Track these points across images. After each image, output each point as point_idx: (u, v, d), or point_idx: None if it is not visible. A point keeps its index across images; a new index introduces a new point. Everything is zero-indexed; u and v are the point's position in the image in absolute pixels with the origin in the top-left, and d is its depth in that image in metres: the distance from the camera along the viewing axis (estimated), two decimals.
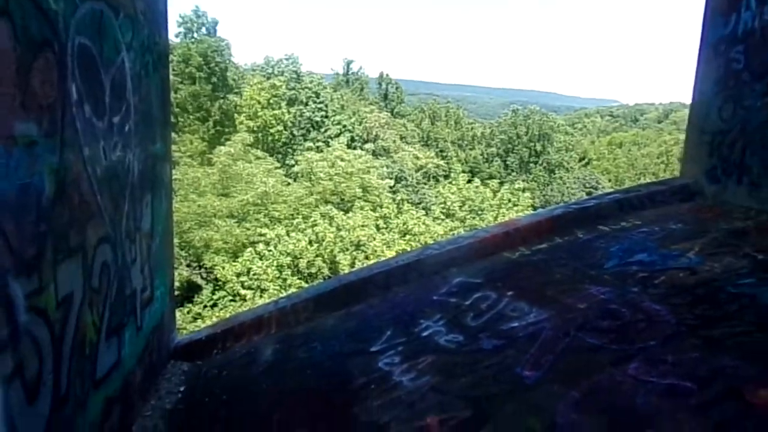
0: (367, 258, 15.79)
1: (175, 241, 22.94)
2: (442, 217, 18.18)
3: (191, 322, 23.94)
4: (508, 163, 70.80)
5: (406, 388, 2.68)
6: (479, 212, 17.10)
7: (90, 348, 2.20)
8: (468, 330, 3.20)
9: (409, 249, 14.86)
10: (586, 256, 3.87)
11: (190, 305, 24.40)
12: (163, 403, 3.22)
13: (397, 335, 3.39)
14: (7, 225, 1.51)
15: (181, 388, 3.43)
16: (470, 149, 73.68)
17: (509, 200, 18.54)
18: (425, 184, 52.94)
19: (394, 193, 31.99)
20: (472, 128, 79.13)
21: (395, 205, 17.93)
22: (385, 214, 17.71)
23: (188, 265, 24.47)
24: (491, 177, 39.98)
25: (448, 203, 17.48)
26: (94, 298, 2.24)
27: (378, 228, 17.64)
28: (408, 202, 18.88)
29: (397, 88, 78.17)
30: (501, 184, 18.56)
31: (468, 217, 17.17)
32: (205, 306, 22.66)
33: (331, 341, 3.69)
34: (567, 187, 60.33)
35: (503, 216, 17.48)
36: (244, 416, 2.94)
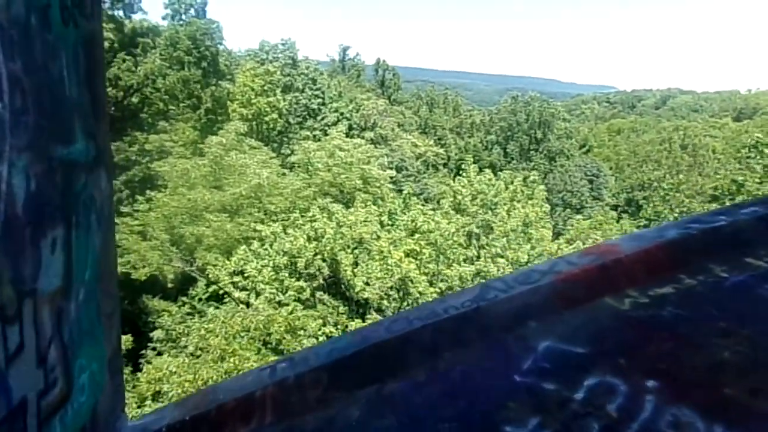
0: (371, 258, 14.52)
1: (166, 237, 21.61)
2: (452, 212, 16.88)
3: (187, 314, 22.78)
4: (508, 150, 69.48)
5: None
6: (492, 207, 15.79)
7: None
8: None
9: (418, 249, 13.60)
10: (754, 313, 2.48)
11: (184, 298, 23.20)
12: None
13: None
14: None
15: None
16: (469, 137, 72.32)
17: (522, 192, 17.22)
18: (425, 173, 51.64)
19: (394, 183, 30.66)
20: (470, 115, 77.70)
21: (401, 200, 16.61)
22: (390, 209, 16.42)
23: (182, 258, 23.17)
24: (491, 166, 38.66)
25: (459, 197, 16.15)
26: None
27: (382, 225, 16.38)
28: (414, 196, 17.60)
29: (394, 75, 76.60)
30: (500, 171, 17.21)
31: (480, 212, 15.86)
32: (200, 299, 21.41)
33: None
34: (569, 176, 59.12)
35: (516, 211, 16.19)
36: None
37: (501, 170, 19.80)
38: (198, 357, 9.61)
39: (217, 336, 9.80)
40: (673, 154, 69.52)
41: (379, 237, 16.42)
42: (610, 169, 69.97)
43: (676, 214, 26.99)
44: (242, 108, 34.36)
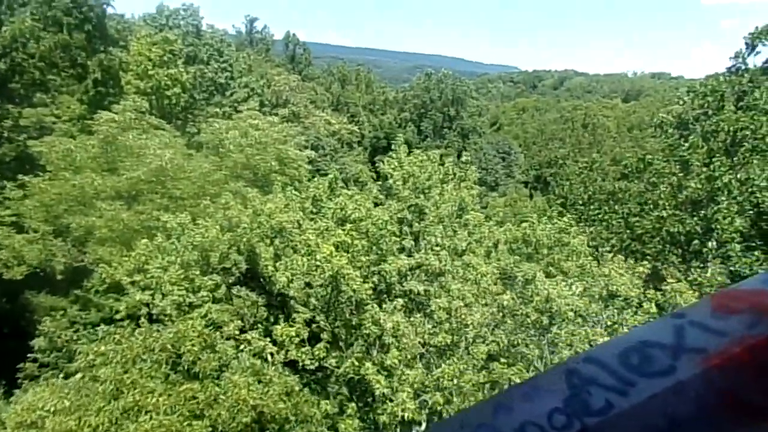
0: (296, 252, 12.88)
1: (48, 228, 18.38)
2: (381, 197, 15.55)
3: (80, 311, 19.80)
4: (421, 128, 69.34)
5: None
6: (426, 190, 14.62)
7: None
8: None
9: (350, 241, 12.14)
10: None
11: (77, 291, 20.15)
12: None
13: None
14: None
15: None
16: (382, 114, 71.35)
17: (455, 174, 16.22)
18: (341, 151, 49.96)
19: (311, 164, 28.78)
20: (383, 92, 76.66)
21: (326, 184, 14.99)
22: (315, 195, 14.80)
23: (69, 253, 20.07)
24: (407, 143, 37.63)
25: (390, 181, 14.82)
26: None
27: (305, 212, 14.73)
28: (339, 180, 16.07)
29: (304, 50, 73.63)
30: (414, 149, 16.15)
31: (411, 196, 14.64)
32: (97, 291, 18.59)
33: None
34: (484, 153, 60.01)
35: (449, 194, 15.16)
36: None
37: (416, 148, 18.79)
38: (84, 391, 7.60)
39: (110, 363, 7.83)
40: (575, 132, 72.92)
41: (301, 226, 14.76)
42: (519, 146, 72.14)
43: (590, 193, 27.50)
44: (138, 80, 30.59)
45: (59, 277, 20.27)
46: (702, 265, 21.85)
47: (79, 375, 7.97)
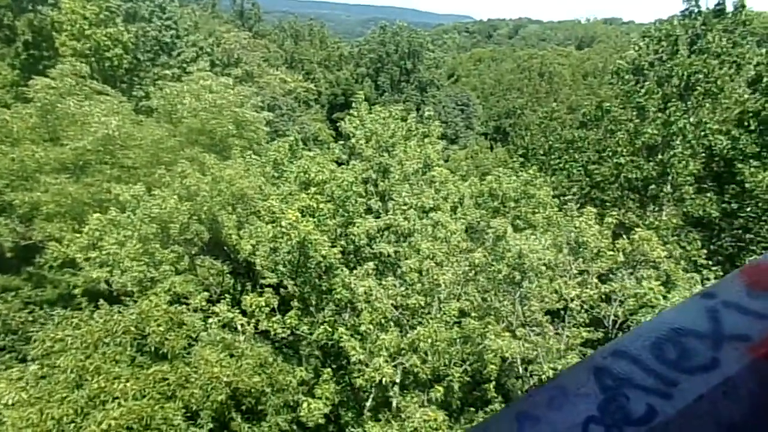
0: (260, 219, 12.39)
1: None
2: (344, 157, 15.08)
3: (35, 288, 18.86)
4: (378, 83, 68.00)
5: None
6: (389, 148, 14.24)
7: None
8: None
9: (315, 205, 11.72)
10: None
11: (30, 268, 19.13)
12: None
13: None
14: None
15: None
16: (338, 70, 69.46)
17: (418, 130, 15.86)
18: (297, 110, 48.60)
19: (269, 125, 27.80)
20: (338, 48, 74.41)
21: (287, 147, 14.38)
22: (276, 158, 14.19)
23: (15, 231, 18.90)
24: (366, 100, 36.97)
25: (353, 140, 14.33)
26: None
27: (266, 177, 14.16)
28: (299, 141, 15.43)
29: (253, 5, 70.24)
30: (373, 105, 15.60)
31: (375, 155, 14.25)
32: (51, 267, 17.67)
33: None
34: (443, 106, 59.47)
35: (414, 150, 14.85)
36: None
37: (374, 104, 18.26)
38: (44, 380, 7.12)
39: (69, 349, 7.33)
40: (532, 81, 72.98)
41: (263, 191, 14.23)
42: (477, 97, 71.86)
43: (550, 142, 27.63)
44: (74, 41, 28.40)
45: (8, 254, 19.18)
46: (658, 209, 22.49)
47: (35, 365, 7.48)
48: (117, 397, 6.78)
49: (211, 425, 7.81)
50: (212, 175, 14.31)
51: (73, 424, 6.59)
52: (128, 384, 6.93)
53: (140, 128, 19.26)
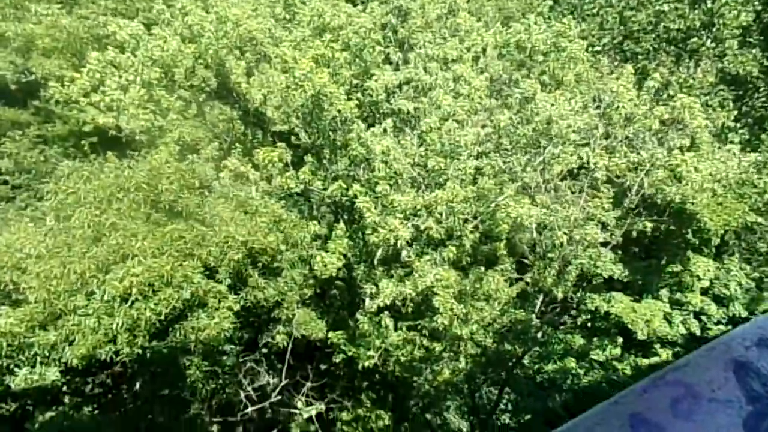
0: (272, 66, 11.50)
1: None
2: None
3: (44, 123, 18.51)
4: None
5: None
6: None
7: None
8: None
9: (330, 54, 10.76)
10: None
11: (36, 102, 18.66)
12: None
13: None
14: None
15: None
16: None
17: None
18: None
19: None
20: None
21: None
22: None
23: (14, 63, 18.03)
24: None
25: None
26: None
27: (277, 19, 12.88)
28: None
29: None
30: None
31: None
32: (57, 102, 17.25)
33: None
34: None
35: None
36: None
37: None
38: (61, 236, 7.09)
39: (84, 203, 7.20)
40: None
41: (271, 34, 13.04)
42: None
43: None
44: None
45: (13, 87, 18.54)
46: (695, 66, 20.92)
47: (51, 219, 7.41)
48: (136, 255, 6.82)
49: (229, 281, 8.01)
50: (216, 14, 13.02)
51: (95, 279, 6.71)
52: (146, 242, 6.91)
53: None
